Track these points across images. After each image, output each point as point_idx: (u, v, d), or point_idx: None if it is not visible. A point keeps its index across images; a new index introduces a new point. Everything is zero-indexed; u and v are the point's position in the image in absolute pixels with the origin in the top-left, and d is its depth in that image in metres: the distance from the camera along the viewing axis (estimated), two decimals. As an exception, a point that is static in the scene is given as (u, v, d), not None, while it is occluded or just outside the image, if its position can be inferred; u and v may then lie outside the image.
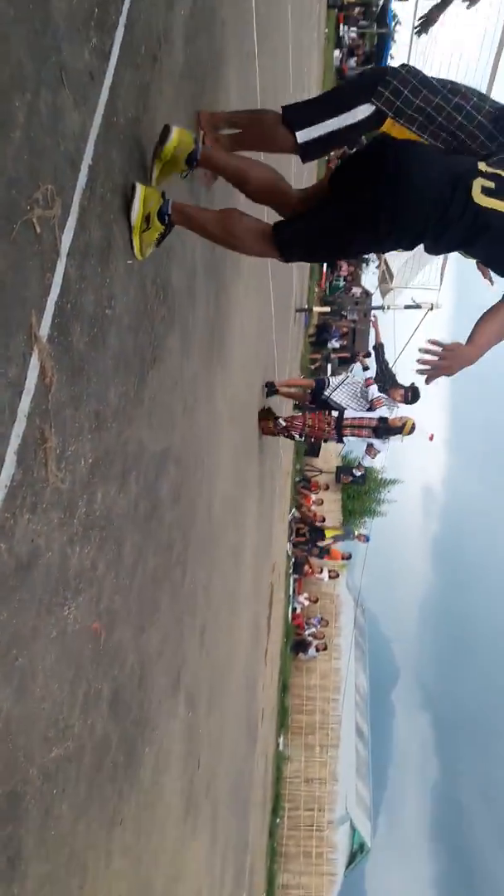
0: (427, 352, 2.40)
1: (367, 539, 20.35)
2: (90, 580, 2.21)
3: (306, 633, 20.80)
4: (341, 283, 27.01)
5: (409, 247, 2.45)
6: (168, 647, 3.42)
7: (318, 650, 20.70)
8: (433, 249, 2.45)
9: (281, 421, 7.75)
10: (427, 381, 2.49)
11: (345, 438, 7.63)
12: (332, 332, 22.11)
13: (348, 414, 7.55)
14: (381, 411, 7.53)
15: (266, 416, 7.72)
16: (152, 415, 2.83)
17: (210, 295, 3.94)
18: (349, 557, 24.40)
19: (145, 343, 2.64)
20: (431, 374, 2.42)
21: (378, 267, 24.77)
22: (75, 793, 2.25)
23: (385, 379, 8.09)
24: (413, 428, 7.61)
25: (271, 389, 7.95)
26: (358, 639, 33.93)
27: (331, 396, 7.75)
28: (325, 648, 20.90)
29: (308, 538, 20.28)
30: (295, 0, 10.06)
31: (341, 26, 28.66)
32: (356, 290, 27.46)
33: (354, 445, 8.57)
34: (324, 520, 22.06)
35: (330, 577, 21.91)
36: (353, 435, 7.58)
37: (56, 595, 1.94)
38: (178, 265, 3.09)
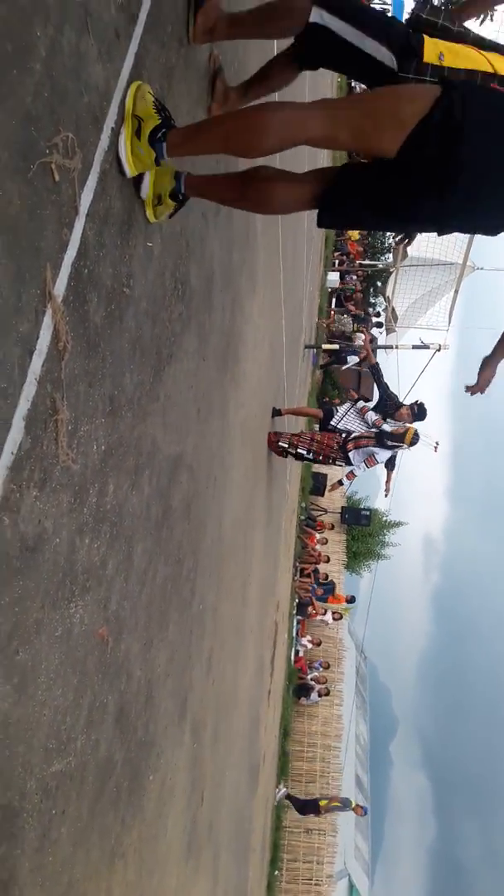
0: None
1: (364, 811, 19.38)
2: (99, 579, 2.04)
3: (309, 677, 20.31)
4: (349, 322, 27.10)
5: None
6: (175, 667, 3.22)
7: (320, 695, 20.18)
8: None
9: (286, 436, 7.64)
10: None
11: (350, 454, 7.51)
12: (345, 353, 21.92)
13: (353, 435, 7.56)
14: (383, 427, 7.52)
15: (275, 435, 7.64)
16: (167, 414, 2.69)
17: (226, 305, 3.82)
18: (353, 601, 24.04)
19: (162, 335, 2.50)
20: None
21: (384, 310, 24.94)
22: (76, 815, 2.05)
23: (388, 404, 7.99)
24: (415, 437, 7.48)
25: (277, 414, 7.90)
26: (359, 686, 33.30)
27: (337, 426, 7.75)
28: (327, 693, 20.37)
29: (310, 590, 19.93)
30: None
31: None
32: (359, 337, 27.65)
33: (363, 484, 8.44)
34: (328, 560, 21.75)
35: (334, 618, 21.51)
36: (355, 448, 7.48)
37: (62, 588, 1.77)
38: (196, 265, 2.97)
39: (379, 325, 26.95)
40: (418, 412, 7.81)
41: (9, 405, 1.39)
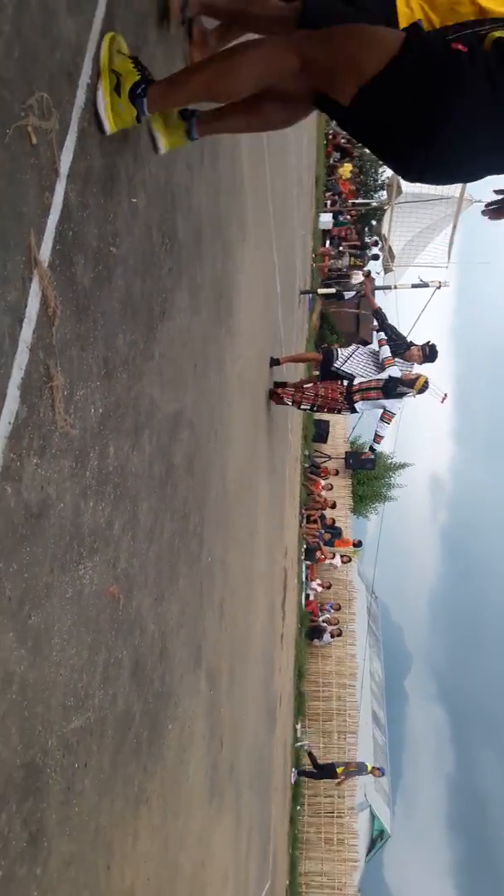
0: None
1: (381, 772, 19.30)
2: (106, 539, 2.07)
3: (321, 619, 20.65)
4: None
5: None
6: (187, 619, 3.28)
7: (332, 636, 20.56)
8: None
9: (287, 391, 7.46)
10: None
11: (356, 405, 7.30)
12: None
13: (357, 381, 7.28)
14: (391, 370, 7.21)
15: (277, 385, 7.50)
16: (163, 372, 2.68)
17: (217, 255, 3.78)
18: (359, 545, 24.27)
19: (153, 292, 2.49)
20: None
21: (381, 249, 24.55)
22: (98, 767, 2.11)
23: (398, 343, 7.78)
24: (426, 384, 7.22)
25: (275, 363, 7.74)
26: (371, 626, 33.85)
27: (342, 368, 7.49)
28: (339, 634, 20.75)
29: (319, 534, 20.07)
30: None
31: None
32: (357, 274, 27.26)
33: (366, 428, 8.24)
34: (334, 505, 21.90)
35: (342, 561, 21.78)
36: (362, 399, 7.25)
37: (70, 551, 1.79)
38: (183, 217, 2.93)
39: (376, 256, 26.50)
40: (429, 353, 7.64)
41: (2, 375, 1.39)
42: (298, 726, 18.15)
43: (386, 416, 7.37)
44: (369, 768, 17.98)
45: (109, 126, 1.90)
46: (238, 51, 2.02)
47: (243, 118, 2.31)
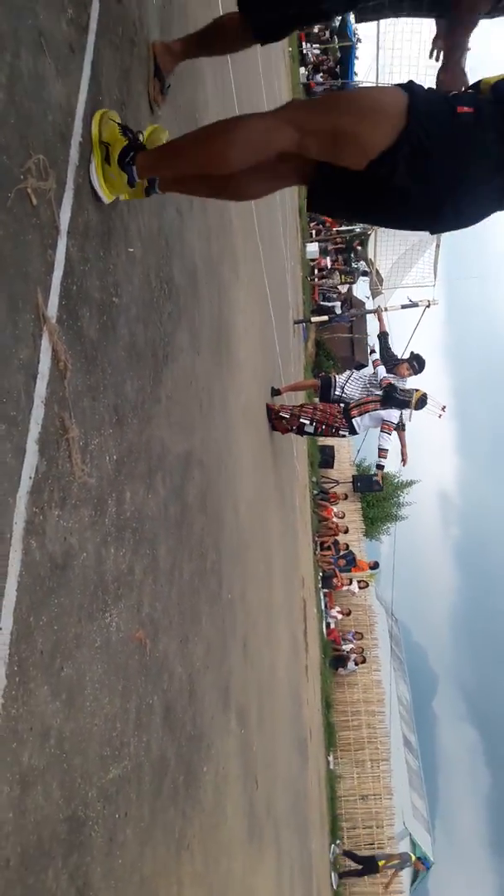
0: None
1: (425, 865, 18.66)
2: (129, 585, 2.07)
3: (345, 648, 20.47)
4: (333, 297, 26.98)
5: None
6: (213, 658, 3.26)
7: (356, 664, 20.37)
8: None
9: (285, 405, 7.34)
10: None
11: (354, 421, 7.23)
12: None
13: (357, 400, 7.27)
14: (393, 384, 7.22)
15: (276, 412, 7.39)
16: (171, 414, 2.71)
17: (213, 296, 3.83)
18: (376, 566, 24.11)
19: (156, 337, 2.52)
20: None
21: (367, 275, 24.79)
22: (138, 816, 2.10)
23: (388, 362, 7.84)
24: (423, 399, 7.19)
25: (276, 393, 7.75)
26: (394, 649, 33.50)
27: (342, 392, 7.53)
28: (363, 661, 20.56)
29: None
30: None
31: (303, 44, 28.89)
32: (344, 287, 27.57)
33: (370, 451, 8.11)
34: (346, 531, 21.83)
35: (360, 587, 21.64)
36: (360, 414, 7.20)
37: (96, 600, 1.80)
38: (178, 261, 2.98)
39: (365, 273, 26.76)
40: (417, 365, 7.68)
41: (21, 432, 1.42)
42: (331, 758, 17.90)
43: (386, 427, 7.29)
44: (413, 859, 17.34)
45: (105, 195, 1.94)
46: (230, 127, 2.00)
47: (211, 187, 2.29)
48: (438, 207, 1.97)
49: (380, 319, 9.40)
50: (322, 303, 24.23)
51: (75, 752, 1.66)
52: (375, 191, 1.98)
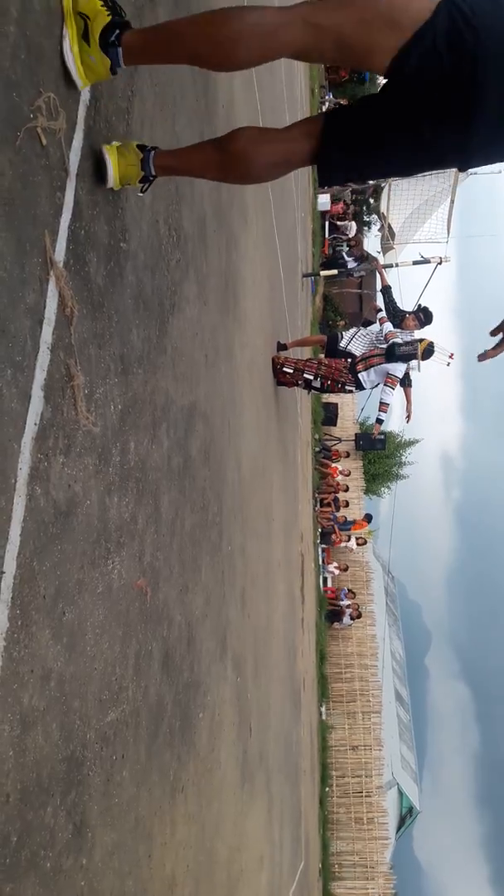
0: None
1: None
2: (132, 533, 2.09)
3: (342, 603, 20.71)
4: (345, 249, 26.58)
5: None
6: (212, 608, 3.30)
7: (352, 618, 20.64)
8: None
9: (291, 360, 7.18)
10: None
11: (360, 375, 7.12)
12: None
13: (362, 354, 7.15)
14: (395, 341, 7.10)
15: (280, 364, 7.25)
16: (176, 365, 2.69)
17: (221, 244, 3.78)
18: (370, 519, 24.12)
19: (163, 286, 2.49)
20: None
21: (380, 229, 24.41)
22: (135, 758, 2.15)
23: (395, 316, 7.72)
24: (430, 347, 7.02)
25: (282, 348, 7.65)
26: (390, 605, 33.93)
27: (347, 348, 7.43)
28: (359, 616, 20.83)
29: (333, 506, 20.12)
30: None
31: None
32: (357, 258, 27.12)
33: (374, 409, 7.93)
34: (347, 489, 21.91)
35: (358, 543, 21.82)
36: (365, 368, 7.09)
37: (98, 547, 1.81)
38: (188, 208, 2.93)
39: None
40: (424, 318, 7.57)
41: (26, 377, 1.41)
42: (323, 708, 18.26)
43: (390, 381, 7.09)
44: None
45: (80, 80, 1.65)
46: (239, 14, 1.68)
47: (214, 159, 1.93)
48: (476, 113, 1.65)
49: (380, 273, 9.19)
50: (335, 255, 23.81)
51: (75, 695, 1.69)
52: (399, 112, 1.71)
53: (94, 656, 1.79)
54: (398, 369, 7.11)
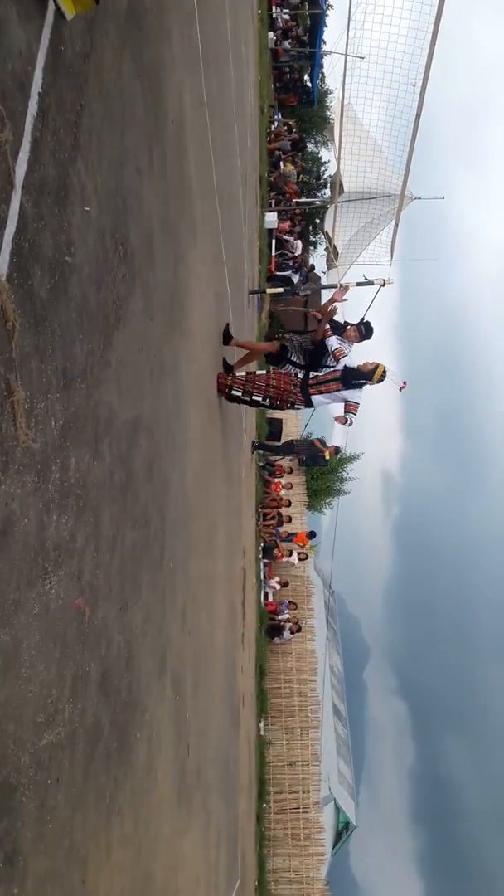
0: None
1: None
2: (70, 552, 2.05)
3: (281, 618, 20.71)
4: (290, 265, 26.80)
5: None
6: (152, 626, 3.26)
7: (292, 632, 20.65)
8: None
9: (239, 381, 7.13)
10: None
11: (312, 398, 7.15)
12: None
13: (312, 375, 7.14)
14: (344, 361, 7.13)
15: (227, 386, 7.18)
16: (120, 380, 2.67)
17: (168, 260, 3.76)
18: (313, 535, 24.28)
19: (108, 300, 2.47)
20: None
21: (326, 249, 24.70)
22: (70, 781, 2.09)
23: (338, 327, 7.79)
24: (385, 374, 7.04)
25: (228, 368, 7.59)
26: (329, 620, 34.06)
27: (293, 358, 7.40)
28: (299, 630, 20.85)
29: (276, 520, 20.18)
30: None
31: (273, 7, 28.29)
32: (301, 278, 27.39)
33: (317, 424, 7.96)
34: (289, 504, 21.99)
35: (300, 559, 21.88)
36: (320, 393, 7.12)
37: (35, 566, 1.77)
38: (135, 222, 2.91)
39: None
40: (365, 331, 7.63)
41: (-36, 393, 1.37)
42: (261, 724, 18.20)
43: (351, 408, 7.16)
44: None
45: (68, 10, 1.69)
46: None
47: None
48: None
49: (335, 299, 9.21)
50: (278, 273, 24.04)
51: (9, 719, 1.64)
52: None
53: (29, 678, 1.75)
54: (355, 395, 7.15)
